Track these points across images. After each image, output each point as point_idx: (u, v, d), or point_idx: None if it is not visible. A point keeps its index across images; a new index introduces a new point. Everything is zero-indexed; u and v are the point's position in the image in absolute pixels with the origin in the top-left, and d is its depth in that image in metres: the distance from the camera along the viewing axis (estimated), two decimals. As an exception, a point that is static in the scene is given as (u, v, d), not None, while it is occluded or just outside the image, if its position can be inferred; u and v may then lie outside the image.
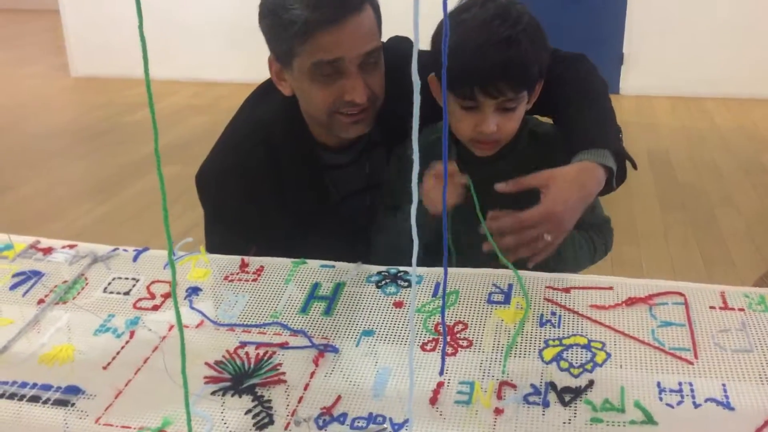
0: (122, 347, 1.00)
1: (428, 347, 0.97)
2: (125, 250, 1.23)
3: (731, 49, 5.18)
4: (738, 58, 5.18)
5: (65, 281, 1.15)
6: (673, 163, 4.05)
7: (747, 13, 5.08)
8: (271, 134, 1.34)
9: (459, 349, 0.96)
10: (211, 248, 1.31)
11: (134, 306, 1.09)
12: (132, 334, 1.03)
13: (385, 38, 1.40)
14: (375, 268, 1.15)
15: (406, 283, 1.11)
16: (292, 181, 1.34)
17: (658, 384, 0.88)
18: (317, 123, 1.32)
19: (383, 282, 1.12)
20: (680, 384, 0.88)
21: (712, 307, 1.02)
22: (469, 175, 1.21)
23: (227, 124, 1.43)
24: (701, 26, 5.18)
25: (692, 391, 0.87)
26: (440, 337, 0.98)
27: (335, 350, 0.97)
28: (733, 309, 1.01)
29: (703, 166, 4.01)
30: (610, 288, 1.07)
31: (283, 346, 0.98)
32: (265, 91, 1.40)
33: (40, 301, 1.10)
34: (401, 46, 1.39)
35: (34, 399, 0.91)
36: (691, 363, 0.91)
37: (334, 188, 1.40)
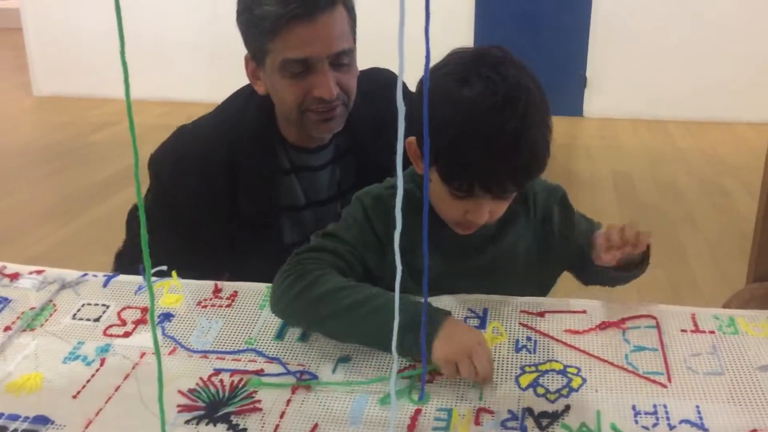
0: (92, 375, 0.98)
1: (405, 374, 0.97)
2: (95, 276, 1.21)
3: (691, 72, 5.33)
4: (697, 81, 5.33)
5: (33, 308, 1.12)
6: (636, 185, 4.12)
7: (705, 38, 5.24)
8: (236, 128, 1.34)
9: (436, 375, 0.95)
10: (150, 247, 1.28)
11: (105, 333, 1.07)
12: (103, 361, 1.00)
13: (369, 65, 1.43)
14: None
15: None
16: (252, 179, 1.34)
17: (633, 407, 0.89)
18: (290, 122, 1.32)
19: (359, 307, 1.11)
20: (655, 406, 0.89)
21: (683, 330, 1.04)
22: (445, 237, 1.12)
23: (203, 116, 1.43)
24: (662, 50, 5.32)
25: (667, 413, 0.88)
26: (417, 363, 0.97)
27: (312, 377, 0.96)
28: (704, 332, 1.03)
29: (665, 187, 4.10)
30: (584, 311, 1.08)
31: (259, 373, 0.97)
32: (249, 92, 1.39)
33: (7, 329, 1.07)
34: (383, 73, 1.41)
35: (1, 429, 0.88)
36: (665, 386, 0.93)
37: (305, 191, 1.40)
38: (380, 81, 1.41)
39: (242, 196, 1.34)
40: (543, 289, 1.24)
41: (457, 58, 1.01)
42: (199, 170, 1.33)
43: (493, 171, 0.97)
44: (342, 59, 1.25)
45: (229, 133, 1.34)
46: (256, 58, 1.28)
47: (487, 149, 0.95)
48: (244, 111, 1.36)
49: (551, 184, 1.22)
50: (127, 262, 1.38)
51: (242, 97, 1.40)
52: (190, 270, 1.20)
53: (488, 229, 1.13)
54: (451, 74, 0.98)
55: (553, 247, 1.20)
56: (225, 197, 1.33)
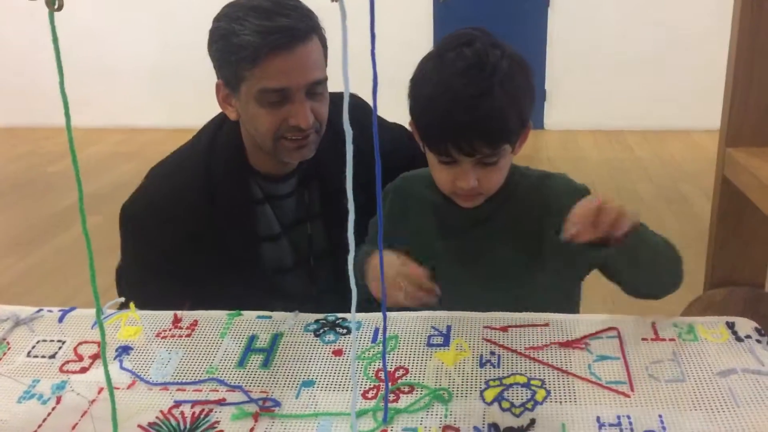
0: (48, 414, 0.95)
1: (370, 395, 0.96)
2: (50, 311, 1.18)
3: (647, 83, 5.44)
4: (653, 91, 5.44)
5: (-15, 346, 1.09)
6: (600, 195, 4.17)
7: (660, 49, 5.36)
8: (209, 162, 1.35)
9: (401, 395, 0.95)
10: (128, 289, 1.29)
11: (61, 369, 1.04)
12: (59, 399, 0.98)
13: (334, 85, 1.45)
14: (312, 317, 1.14)
15: (345, 330, 1.10)
16: (232, 212, 1.35)
17: (598, 419, 0.89)
18: (261, 149, 1.33)
19: (321, 330, 1.10)
20: (618, 417, 0.89)
21: (644, 339, 1.04)
22: (459, 223, 1.21)
23: (170, 155, 1.42)
24: (617, 62, 5.43)
25: (630, 423, 0.88)
26: (381, 384, 0.97)
27: (275, 403, 0.94)
28: (664, 340, 1.04)
29: (627, 196, 4.15)
30: (546, 325, 1.08)
31: (220, 402, 0.95)
32: (217, 125, 1.40)
33: (-42, 369, 1.04)
34: (354, 105, 1.41)
35: (-47, 476, 0.85)
36: (628, 396, 0.93)
37: (278, 219, 1.41)
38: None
39: (223, 228, 1.34)
40: (556, 291, 1.26)
41: (442, 40, 1.13)
42: (178, 216, 1.32)
43: (458, 128, 1.04)
44: (317, 89, 1.27)
45: (203, 168, 1.34)
46: (229, 85, 1.28)
47: (450, 108, 1.04)
48: (214, 143, 1.36)
49: (580, 189, 1.22)
50: (135, 282, 1.39)
51: (212, 127, 1.39)
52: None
53: (494, 218, 1.21)
54: (432, 54, 1.11)
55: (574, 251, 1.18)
56: (207, 232, 1.33)
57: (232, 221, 1.35)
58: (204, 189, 1.33)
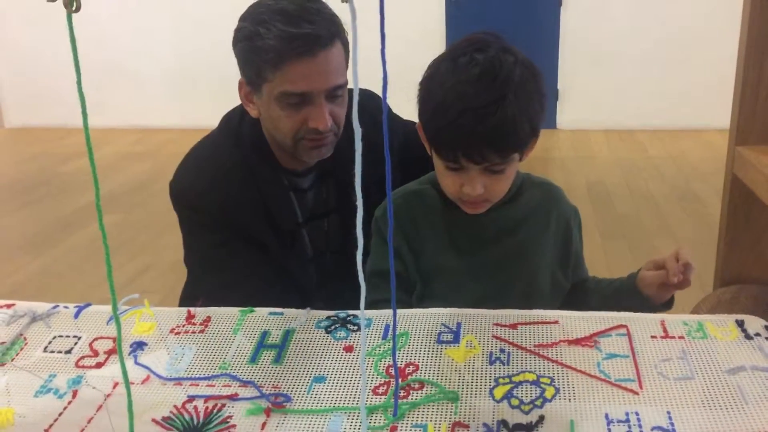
0: (65, 408, 0.97)
1: (380, 391, 0.97)
2: (66, 307, 1.20)
3: (658, 82, 5.42)
4: (665, 91, 5.42)
5: (3, 342, 1.11)
6: (611, 194, 4.17)
7: (670, 48, 5.34)
8: (242, 149, 1.39)
9: (411, 391, 0.96)
10: (197, 260, 1.40)
11: (76, 364, 1.06)
12: (75, 393, 0.99)
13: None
14: (324, 313, 1.15)
15: (356, 327, 1.11)
16: (269, 198, 1.39)
17: (606, 415, 0.90)
18: (280, 146, 1.37)
19: (332, 327, 1.11)
20: (627, 414, 0.90)
21: (653, 337, 1.05)
22: (464, 224, 1.22)
23: (201, 140, 1.46)
24: (629, 61, 5.41)
25: (639, 420, 0.88)
26: (392, 379, 0.98)
27: (287, 399, 0.96)
28: (673, 337, 1.04)
29: (639, 196, 4.14)
30: (556, 322, 1.09)
31: (233, 397, 0.96)
32: (238, 117, 1.44)
33: (-23, 364, 1.06)
34: (364, 94, 1.44)
35: (-28, 468, 0.87)
36: (637, 393, 0.93)
37: (300, 209, 1.45)
38: (360, 103, 1.43)
39: (269, 206, 1.39)
40: (554, 299, 1.29)
41: (454, 44, 1.13)
42: (227, 187, 1.36)
43: (469, 137, 1.04)
44: (337, 92, 1.30)
45: (237, 155, 1.38)
46: (251, 84, 1.31)
47: (462, 116, 1.03)
48: (239, 133, 1.40)
49: (573, 206, 1.30)
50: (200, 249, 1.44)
51: (235, 119, 1.43)
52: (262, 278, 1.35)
53: (502, 224, 1.22)
54: (444, 58, 1.11)
55: (568, 264, 1.28)
56: (258, 207, 1.38)
57: (272, 198, 1.39)
58: (242, 171, 1.37)
